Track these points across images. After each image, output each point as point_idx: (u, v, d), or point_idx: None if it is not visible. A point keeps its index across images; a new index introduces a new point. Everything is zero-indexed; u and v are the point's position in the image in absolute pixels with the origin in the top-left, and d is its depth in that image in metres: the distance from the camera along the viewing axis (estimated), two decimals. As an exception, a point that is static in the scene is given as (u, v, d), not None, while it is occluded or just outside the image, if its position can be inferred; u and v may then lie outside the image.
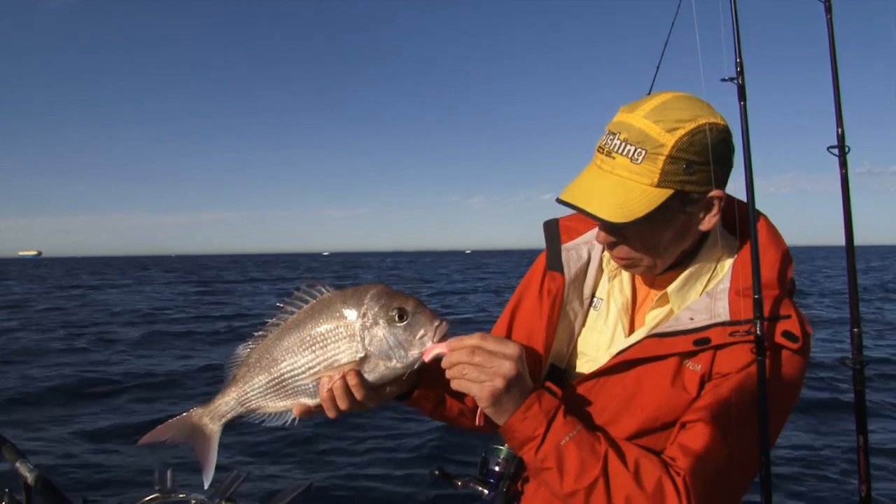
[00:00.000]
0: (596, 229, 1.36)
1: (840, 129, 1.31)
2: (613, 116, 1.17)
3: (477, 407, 1.10)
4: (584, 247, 1.37)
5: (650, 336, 1.18)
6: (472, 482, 1.52)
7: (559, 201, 1.16)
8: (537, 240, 1.46)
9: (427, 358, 1.10)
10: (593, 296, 1.36)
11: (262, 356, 1.18)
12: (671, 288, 1.22)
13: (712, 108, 1.15)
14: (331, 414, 1.14)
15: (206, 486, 1.20)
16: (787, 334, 1.10)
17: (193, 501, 1.63)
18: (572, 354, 1.34)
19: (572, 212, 1.18)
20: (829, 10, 1.24)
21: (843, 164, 1.32)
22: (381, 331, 1.11)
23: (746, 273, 1.12)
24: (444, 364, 1.08)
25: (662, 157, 1.09)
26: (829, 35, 1.23)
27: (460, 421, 1.39)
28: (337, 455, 5.95)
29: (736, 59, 1.14)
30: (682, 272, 1.22)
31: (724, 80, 1.14)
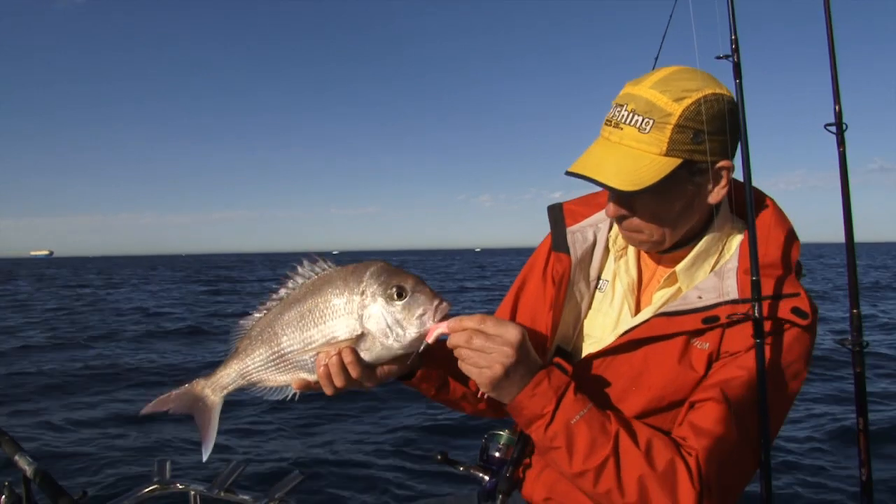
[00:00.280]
0: (601, 212, 1.36)
1: (837, 107, 1.30)
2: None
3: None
4: (589, 229, 1.37)
5: (658, 315, 1.18)
6: (473, 468, 1.51)
7: (568, 173, 1.15)
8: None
9: (430, 339, 1.09)
10: (599, 278, 1.35)
11: (263, 330, 1.18)
12: (680, 267, 1.22)
13: (717, 79, 1.15)
14: (327, 391, 1.14)
15: (204, 458, 1.19)
16: (797, 311, 1.10)
17: (192, 492, 1.63)
18: (578, 336, 1.34)
19: (576, 196, 1.16)
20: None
21: (841, 143, 1.32)
22: (378, 308, 1.10)
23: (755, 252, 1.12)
24: (448, 345, 1.07)
25: (670, 126, 1.09)
26: (826, 12, 1.22)
27: (462, 405, 1.38)
28: (336, 441, 5.97)
29: (731, 37, 1.13)
30: (689, 251, 1.22)
31: (718, 57, 1.13)
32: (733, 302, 1.12)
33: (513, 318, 1.41)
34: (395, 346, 1.11)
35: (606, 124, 1.17)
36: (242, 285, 34.65)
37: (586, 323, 1.34)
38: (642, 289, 1.31)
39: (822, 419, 6.25)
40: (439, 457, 1.61)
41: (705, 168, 1.12)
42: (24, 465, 1.60)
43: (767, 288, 1.10)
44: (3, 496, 1.60)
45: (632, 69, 1.23)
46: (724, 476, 1.06)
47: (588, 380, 1.20)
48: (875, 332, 11.89)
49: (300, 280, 1.17)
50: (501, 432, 1.52)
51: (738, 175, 1.16)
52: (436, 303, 1.09)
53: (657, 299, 1.25)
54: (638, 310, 1.28)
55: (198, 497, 1.64)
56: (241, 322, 1.22)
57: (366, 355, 1.12)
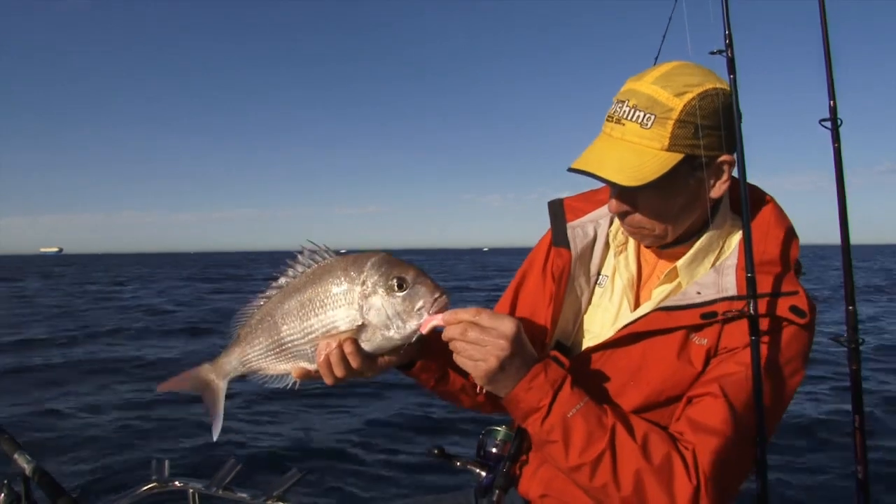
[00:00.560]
0: (602, 208, 1.37)
1: (832, 102, 1.30)
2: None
3: None
4: (589, 225, 1.37)
5: (657, 309, 1.18)
6: (469, 464, 1.52)
7: (571, 170, 1.15)
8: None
9: (424, 330, 1.09)
10: (599, 273, 1.36)
11: (263, 318, 1.19)
12: (681, 263, 1.22)
13: (717, 75, 1.15)
14: (328, 380, 1.14)
15: (214, 438, 1.23)
16: (795, 309, 1.10)
17: (191, 490, 1.64)
18: (578, 331, 1.34)
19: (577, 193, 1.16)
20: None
21: (836, 139, 1.32)
22: (379, 300, 1.10)
23: (755, 249, 1.12)
24: (442, 338, 1.08)
25: (672, 121, 1.09)
26: (821, 7, 1.22)
27: (461, 398, 1.38)
28: (333, 438, 5.97)
29: (725, 32, 1.13)
30: (690, 247, 1.22)
31: (712, 52, 1.13)
32: (731, 298, 1.12)
33: (512, 313, 1.41)
34: (395, 338, 1.11)
35: (608, 120, 1.17)
36: (247, 283, 34.70)
37: (586, 318, 1.34)
38: (642, 284, 1.31)
39: (818, 415, 6.25)
40: (436, 451, 1.62)
41: (707, 163, 1.12)
42: (23, 463, 1.60)
43: (766, 285, 1.11)
44: (2, 494, 1.60)
45: (639, 66, 1.23)
46: (721, 471, 1.05)
47: (587, 374, 1.21)
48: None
49: (300, 269, 1.17)
50: (499, 428, 1.52)
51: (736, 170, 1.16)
52: (436, 295, 1.09)
53: (657, 295, 1.25)
54: (637, 305, 1.28)
55: (196, 495, 1.64)
56: (242, 310, 1.23)
57: (366, 346, 1.12)
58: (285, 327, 1.15)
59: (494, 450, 1.49)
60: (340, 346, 1.11)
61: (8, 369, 9.58)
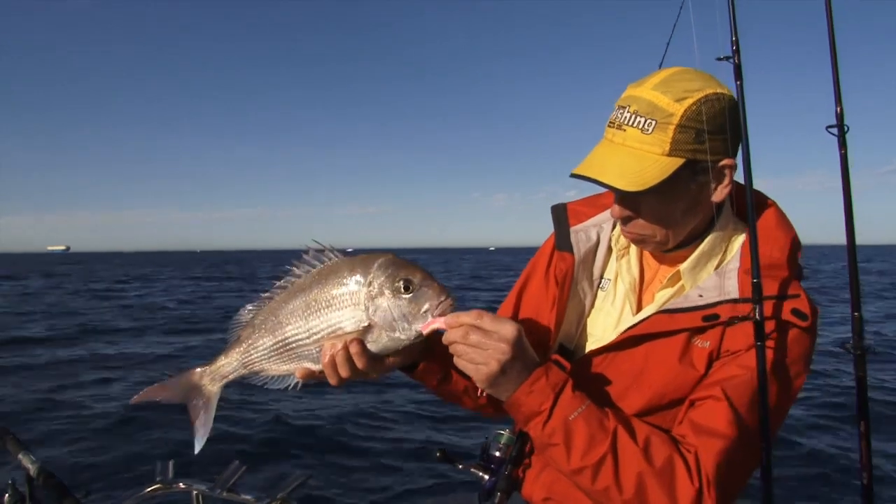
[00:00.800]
0: (605, 213, 1.38)
1: (839, 108, 1.29)
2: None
3: None
4: (592, 229, 1.38)
5: (660, 312, 1.19)
6: (473, 468, 1.52)
7: (573, 175, 1.16)
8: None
9: (425, 332, 1.09)
10: (602, 277, 1.36)
11: (267, 318, 1.18)
12: (684, 266, 1.22)
13: (718, 80, 1.15)
14: (332, 381, 1.14)
15: (196, 451, 1.18)
16: (797, 312, 1.10)
17: (195, 492, 1.64)
18: (581, 335, 1.35)
19: (589, 195, 1.16)
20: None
21: (843, 145, 1.31)
22: (385, 301, 1.10)
23: (757, 252, 1.12)
24: (443, 341, 1.08)
25: (672, 127, 1.09)
26: (827, 9, 1.22)
27: (464, 399, 1.38)
28: (337, 440, 5.99)
29: (731, 38, 1.13)
30: (693, 251, 1.23)
31: (719, 59, 1.13)
32: (733, 301, 1.13)
33: (515, 317, 1.42)
34: (401, 338, 1.11)
35: (609, 126, 1.17)
36: (250, 282, 34.75)
37: (589, 321, 1.35)
38: (644, 288, 1.32)
39: (822, 420, 6.24)
40: (438, 454, 1.62)
41: (708, 167, 1.13)
42: (28, 463, 1.61)
43: (768, 289, 1.11)
44: (7, 495, 1.61)
45: (647, 69, 1.23)
46: (723, 474, 1.06)
47: (589, 377, 1.21)
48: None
49: (306, 269, 1.17)
50: (503, 432, 1.52)
51: (739, 175, 1.17)
52: (442, 297, 1.09)
53: (659, 298, 1.25)
54: (640, 309, 1.29)
55: (200, 497, 1.64)
56: (243, 311, 1.21)
57: (372, 346, 1.13)
58: (290, 327, 1.15)
59: (498, 453, 1.49)
60: (346, 347, 1.11)
61: (11, 367, 9.61)
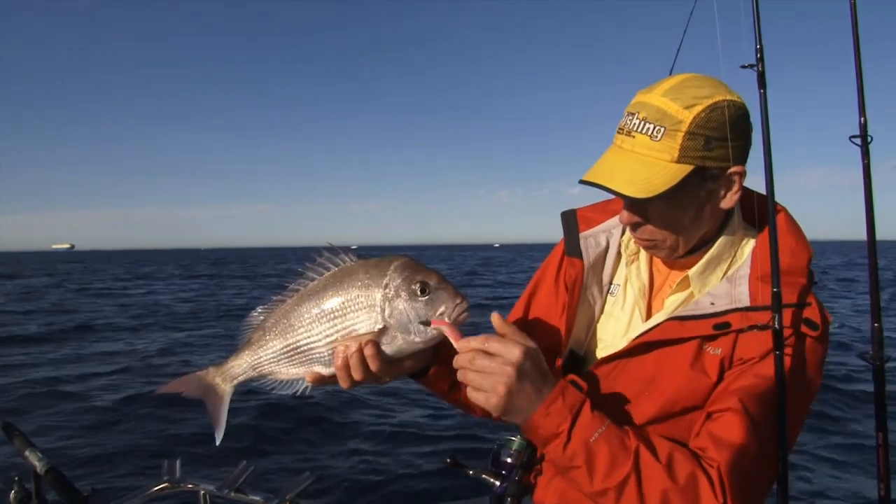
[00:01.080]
0: (614, 218, 1.38)
1: (863, 118, 1.29)
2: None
3: None
4: (602, 235, 1.38)
5: (671, 318, 1.18)
6: (483, 474, 1.51)
7: (582, 182, 1.16)
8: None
9: (435, 325, 1.09)
10: (611, 283, 1.36)
11: (278, 321, 1.17)
12: (693, 271, 1.22)
13: (728, 87, 1.15)
14: (345, 384, 1.14)
15: (217, 442, 1.21)
16: (808, 321, 1.10)
17: (202, 492, 1.63)
18: (591, 341, 1.35)
19: (590, 203, 1.17)
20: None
21: (866, 154, 1.31)
22: (401, 303, 1.10)
23: (766, 259, 1.12)
24: (453, 365, 1.07)
25: (681, 133, 1.09)
26: (853, 19, 1.21)
27: (474, 406, 1.38)
28: (345, 443, 5.96)
29: (756, 46, 1.12)
30: (702, 256, 1.22)
31: (743, 66, 1.13)
32: (745, 309, 1.12)
33: (524, 322, 1.42)
34: (416, 341, 1.11)
35: (619, 132, 1.17)
36: (253, 280, 34.76)
37: (598, 327, 1.35)
38: (654, 294, 1.31)
39: (839, 432, 6.19)
40: (448, 460, 1.61)
41: (717, 174, 1.13)
42: (35, 460, 1.60)
43: (783, 297, 1.10)
44: (13, 492, 1.60)
45: (657, 70, 1.23)
46: (745, 487, 1.05)
47: (601, 384, 1.21)
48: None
49: (320, 271, 1.16)
50: (513, 438, 1.51)
51: (748, 182, 1.17)
52: (457, 301, 1.09)
53: (669, 304, 1.25)
54: (649, 314, 1.29)
55: (207, 496, 1.64)
56: (254, 313, 1.21)
57: (387, 349, 1.12)
58: (302, 330, 1.14)
59: (509, 459, 1.48)
60: (361, 349, 1.11)
61: (15, 366, 9.59)
